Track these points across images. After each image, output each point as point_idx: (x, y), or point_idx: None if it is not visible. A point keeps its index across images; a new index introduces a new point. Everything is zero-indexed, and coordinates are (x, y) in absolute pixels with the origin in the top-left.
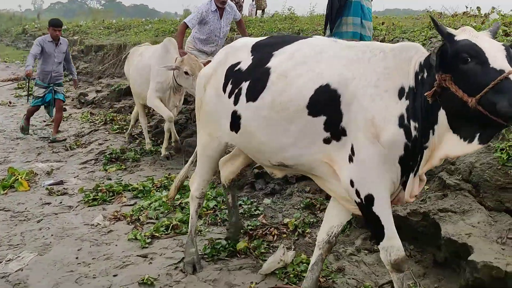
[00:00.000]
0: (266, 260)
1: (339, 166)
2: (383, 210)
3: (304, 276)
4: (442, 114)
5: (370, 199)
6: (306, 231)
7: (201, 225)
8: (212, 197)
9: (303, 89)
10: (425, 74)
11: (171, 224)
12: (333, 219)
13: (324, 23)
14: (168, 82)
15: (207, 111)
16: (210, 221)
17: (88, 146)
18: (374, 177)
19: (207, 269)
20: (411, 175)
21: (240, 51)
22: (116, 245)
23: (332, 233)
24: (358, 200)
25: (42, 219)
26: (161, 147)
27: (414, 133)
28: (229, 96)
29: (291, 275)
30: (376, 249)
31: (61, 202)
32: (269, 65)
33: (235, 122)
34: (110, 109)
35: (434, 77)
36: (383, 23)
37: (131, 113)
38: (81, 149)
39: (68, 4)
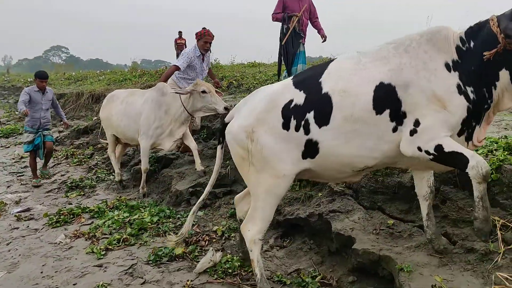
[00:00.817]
0: (199, 261)
1: (404, 145)
2: (452, 144)
3: (230, 272)
4: (504, 73)
5: (439, 147)
6: (231, 235)
7: (147, 236)
8: (155, 213)
9: (364, 95)
10: (472, 44)
11: (122, 238)
12: (422, 174)
13: (277, 71)
14: (173, 121)
15: (266, 156)
16: (154, 233)
17: (52, 177)
18: (436, 131)
19: (151, 272)
20: (476, 127)
21: (285, 92)
22: (76, 259)
23: (430, 183)
24: (430, 157)
25: (11, 242)
26: (113, 175)
27: (472, 96)
28: (297, 130)
29: (219, 272)
30: (286, 245)
31: (28, 226)
32: (324, 90)
33: (312, 149)
34: (71, 145)
35: (483, 44)
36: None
37: (88, 148)
38: (46, 180)
39: (34, 60)
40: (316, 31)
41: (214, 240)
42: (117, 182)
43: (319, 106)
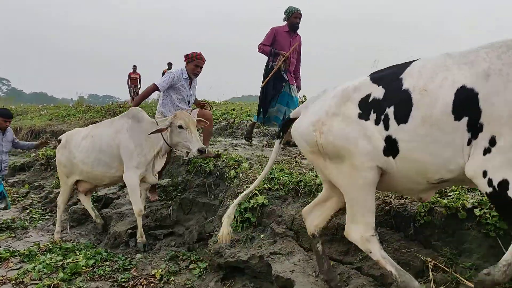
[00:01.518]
0: None
1: (470, 163)
2: None
3: None
4: None
5: (504, 184)
6: (171, 279)
7: (80, 281)
8: (91, 256)
9: (445, 96)
10: None
11: (53, 284)
12: None
13: (258, 109)
14: (154, 149)
15: (338, 144)
16: (88, 278)
17: None
18: (510, 159)
19: None
20: None
21: (361, 87)
22: None
23: None
24: (489, 189)
25: None
26: (49, 215)
27: None
28: (377, 123)
29: None
30: None
31: None
32: (405, 87)
33: (392, 147)
34: (5, 183)
35: None
36: (234, 109)
37: (24, 186)
38: None
39: None
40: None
41: (152, 284)
42: (99, 224)
43: (399, 102)
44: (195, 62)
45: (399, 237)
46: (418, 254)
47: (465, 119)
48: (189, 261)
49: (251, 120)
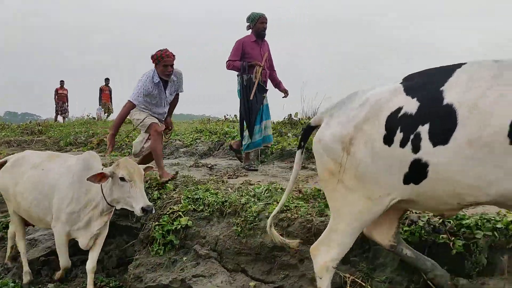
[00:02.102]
0: None
1: None
2: None
3: None
4: None
5: None
6: None
7: None
8: None
9: (501, 117)
10: None
11: None
12: None
13: (240, 129)
14: (90, 205)
15: (362, 173)
16: None
17: None
18: None
19: None
20: None
21: (392, 98)
22: None
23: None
24: None
25: None
26: None
27: None
28: (402, 145)
29: None
30: None
31: None
32: (447, 101)
33: (419, 172)
34: None
35: None
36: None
37: None
38: None
39: None
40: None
41: None
42: (25, 285)
43: (438, 119)
44: (162, 62)
45: None
46: (337, 270)
47: None
48: (107, 287)
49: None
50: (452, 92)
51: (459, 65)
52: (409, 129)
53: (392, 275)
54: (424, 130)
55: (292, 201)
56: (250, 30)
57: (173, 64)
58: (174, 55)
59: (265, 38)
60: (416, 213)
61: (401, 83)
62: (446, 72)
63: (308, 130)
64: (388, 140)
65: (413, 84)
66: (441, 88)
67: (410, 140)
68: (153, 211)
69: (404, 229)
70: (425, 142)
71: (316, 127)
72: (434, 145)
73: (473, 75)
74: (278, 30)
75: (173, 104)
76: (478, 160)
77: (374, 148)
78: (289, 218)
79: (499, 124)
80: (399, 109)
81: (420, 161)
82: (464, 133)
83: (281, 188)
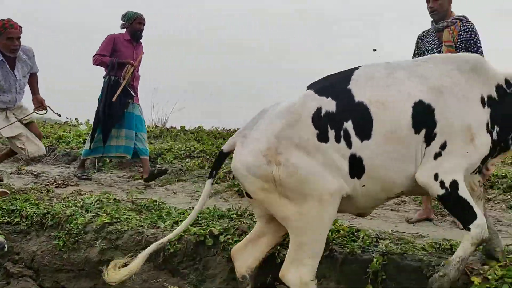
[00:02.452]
0: None
1: (421, 170)
2: (467, 193)
3: None
4: None
5: (455, 184)
6: None
7: None
8: None
9: (403, 111)
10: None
11: None
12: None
13: (90, 135)
14: None
15: (304, 176)
16: None
17: None
18: (458, 166)
19: None
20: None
21: (306, 102)
22: None
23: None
24: (442, 191)
25: None
26: None
27: (495, 137)
28: (337, 141)
29: None
30: None
31: None
32: (358, 99)
33: (357, 166)
34: None
35: None
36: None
37: None
38: None
39: None
40: None
41: None
42: None
43: (357, 116)
44: (5, 35)
45: (148, 267)
46: (166, 283)
47: (423, 132)
48: None
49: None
50: (359, 90)
51: (356, 68)
52: (337, 126)
53: (222, 286)
54: (349, 126)
55: (123, 212)
56: (125, 29)
57: (19, 37)
58: (20, 26)
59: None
60: None
61: (308, 89)
62: (346, 74)
63: (221, 157)
64: (323, 138)
65: (322, 86)
66: (348, 87)
67: (342, 136)
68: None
69: None
70: (354, 138)
71: (230, 153)
72: (361, 140)
73: (370, 74)
74: None
75: (33, 85)
76: (396, 153)
77: (309, 147)
78: (118, 231)
79: (405, 117)
80: (320, 108)
81: (355, 155)
82: (380, 128)
83: (114, 199)
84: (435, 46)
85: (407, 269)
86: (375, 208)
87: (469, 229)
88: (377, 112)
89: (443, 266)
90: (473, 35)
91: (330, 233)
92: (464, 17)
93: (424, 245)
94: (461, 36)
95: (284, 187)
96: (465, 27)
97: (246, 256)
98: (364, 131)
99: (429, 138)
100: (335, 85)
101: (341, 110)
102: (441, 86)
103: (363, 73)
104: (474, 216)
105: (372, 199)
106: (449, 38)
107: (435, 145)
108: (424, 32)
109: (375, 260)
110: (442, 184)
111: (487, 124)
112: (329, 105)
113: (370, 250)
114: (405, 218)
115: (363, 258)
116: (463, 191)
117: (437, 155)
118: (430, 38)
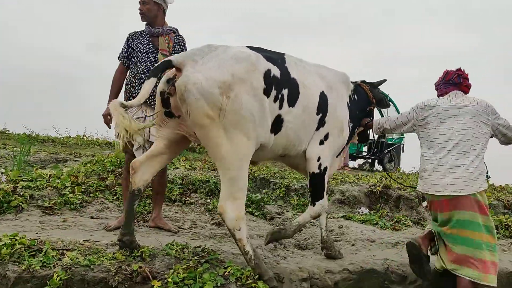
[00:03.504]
0: None
1: (311, 148)
2: (327, 178)
3: None
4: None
5: (325, 169)
6: None
7: None
8: None
9: (314, 95)
10: (355, 96)
11: None
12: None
13: None
14: None
15: (244, 115)
16: None
17: None
18: (330, 156)
19: None
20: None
21: (260, 60)
22: None
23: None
24: (317, 171)
25: None
26: None
27: (350, 130)
28: (274, 101)
29: None
30: None
31: None
32: (293, 75)
33: (278, 125)
34: None
35: (362, 98)
36: None
37: None
38: None
39: None
40: None
41: None
42: None
43: (291, 87)
44: None
45: None
46: None
47: (320, 115)
48: None
49: None
50: (292, 69)
51: (282, 53)
52: (278, 89)
53: None
54: (285, 93)
55: None
56: None
57: None
58: None
59: None
60: None
61: (253, 51)
62: (279, 55)
63: (167, 66)
64: (266, 92)
65: (268, 56)
66: (285, 65)
67: (279, 99)
68: None
69: None
70: (285, 103)
71: (173, 67)
72: (289, 106)
73: (296, 63)
74: None
75: None
76: (305, 123)
77: (257, 96)
78: None
79: (314, 100)
80: (270, 70)
81: (280, 116)
82: (302, 101)
83: None
84: (150, 51)
85: (93, 282)
86: (266, 161)
87: (314, 205)
88: (302, 89)
89: (287, 224)
90: (184, 49)
91: (5, 248)
92: (176, 29)
93: (114, 253)
94: (175, 48)
95: (226, 119)
96: (179, 41)
97: (144, 171)
98: (293, 100)
99: (321, 123)
100: (276, 60)
101: (283, 79)
102: (331, 86)
103: (290, 59)
104: (322, 197)
105: (272, 153)
106: (165, 47)
107: (322, 132)
108: (136, 32)
109: (55, 275)
110: (319, 166)
111: (348, 120)
112: (275, 71)
113: (52, 265)
114: (104, 225)
115: (42, 274)
116: (326, 177)
117: (321, 142)
118: (144, 41)
